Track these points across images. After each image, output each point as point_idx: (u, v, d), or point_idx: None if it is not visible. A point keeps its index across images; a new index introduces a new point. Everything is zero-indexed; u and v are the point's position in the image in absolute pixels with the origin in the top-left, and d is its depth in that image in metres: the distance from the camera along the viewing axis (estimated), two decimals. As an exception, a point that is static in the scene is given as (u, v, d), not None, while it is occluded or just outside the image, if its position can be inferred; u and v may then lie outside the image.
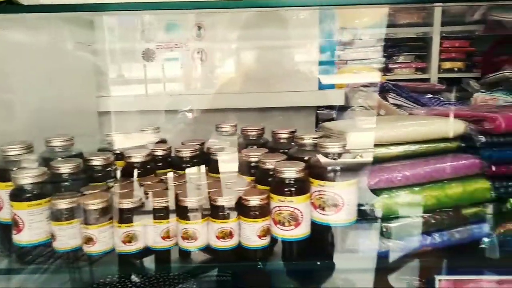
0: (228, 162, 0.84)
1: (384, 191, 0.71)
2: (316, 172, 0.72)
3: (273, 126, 0.97)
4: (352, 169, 0.72)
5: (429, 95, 1.38)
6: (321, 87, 1.35)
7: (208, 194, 0.72)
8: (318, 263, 0.72)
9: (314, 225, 0.73)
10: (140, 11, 0.94)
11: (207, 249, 0.72)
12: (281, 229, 0.71)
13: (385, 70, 2.49)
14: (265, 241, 0.72)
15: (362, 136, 0.73)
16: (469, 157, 0.72)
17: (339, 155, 0.72)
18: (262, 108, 1.36)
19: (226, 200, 0.70)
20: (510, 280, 0.79)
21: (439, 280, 0.76)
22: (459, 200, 0.71)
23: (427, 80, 2.44)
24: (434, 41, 2.39)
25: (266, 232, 0.72)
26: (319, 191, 0.72)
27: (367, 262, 0.73)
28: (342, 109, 1.38)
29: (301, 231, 0.71)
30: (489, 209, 0.73)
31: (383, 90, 1.23)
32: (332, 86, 1.39)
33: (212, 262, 0.72)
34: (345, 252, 0.73)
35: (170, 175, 0.83)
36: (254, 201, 0.71)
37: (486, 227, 0.74)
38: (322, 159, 0.72)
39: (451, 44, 2.43)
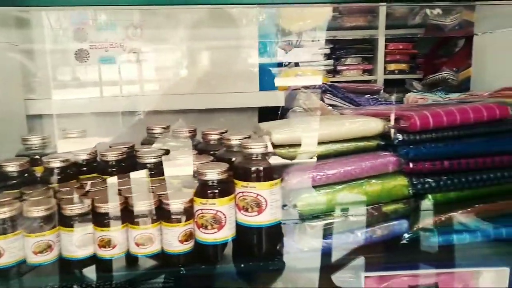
0: (156, 166, 0.81)
1: (306, 190, 0.71)
2: (238, 173, 0.71)
3: (215, 127, 0.96)
4: (275, 169, 0.72)
5: (368, 96, 1.42)
6: (262, 88, 1.35)
7: (126, 199, 0.69)
8: (242, 265, 0.71)
9: (239, 227, 0.73)
10: (70, 7, 0.89)
11: (126, 256, 0.69)
12: (204, 233, 0.70)
13: (334, 72, 2.55)
14: (188, 245, 0.70)
15: (283, 136, 0.73)
16: (387, 155, 0.73)
17: (263, 155, 0.72)
18: (203, 109, 1.35)
19: (145, 205, 0.68)
20: (432, 274, 0.82)
21: (365, 277, 0.78)
22: (379, 197, 0.73)
23: (374, 81, 2.52)
24: (380, 44, 2.47)
25: (189, 236, 0.70)
26: (242, 192, 0.71)
27: (293, 262, 0.73)
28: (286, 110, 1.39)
29: (225, 234, 0.70)
30: (408, 205, 0.75)
31: (321, 91, 1.25)
32: (273, 88, 1.40)
33: (131, 270, 0.69)
34: (271, 253, 0.72)
35: (93, 180, 0.79)
36: (175, 204, 0.69)
37: (406, 223, 0.76)
38: (244, 159, 0.72)
39: (395, 47, 2.52)
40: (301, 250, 0.72)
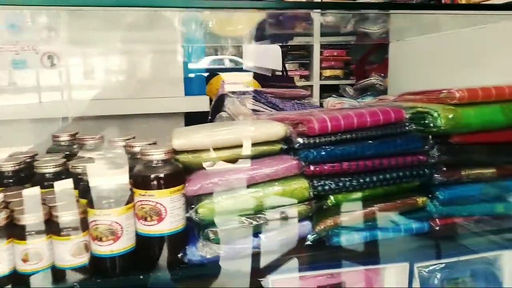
0: (55, 176, 0.77)
1: (208, 196, 0.71)
2: (137, 181, 0.69)
3: (138, 134, 0.93)
4: (176, 176, 0.70)
5: (294, 101, 1.45)
6: (188, 93, 1.34)
7: (12, 212, 0.65)
8: (142, 277, 0.69)
9: (139, 237, 0.70)
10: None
11: (11, 275, 0.65)
12: (99, 245, 0.67)
13: (271, 77, 2.59)
14: (82, 260, 0.67)
15: (183, 141, 0.72)
16: (289, 159, 0.75)
17: (164, 162, 0.70)
18: (127, 115, 1.30)
19: (31, 218, 0.64)
20: (338, 273, 0.84)
21: (272, 280, 0.78)
22: (280, 199, 0.74)
23: (311, 86, 2.59)
24: (315, 50, 2.55)
25: (83, 250, 0.67)
26: (140, 201, 0.69)
27: (197, 270, 0.72)
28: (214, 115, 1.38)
29: (122, 245, 0.68)
30: (311, 207, 0.77)
31: (245, 97, 1.26)
32: (200, 93, 1.39)
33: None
34: (174, 261, 0.71)
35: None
36: (66, 217, 0.65)
37: (309, 225, 0.77)
38: (144, 167, 0.70)
39: (330, 53, 2.61)
40: (204, 257, 0.71)
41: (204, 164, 0.73)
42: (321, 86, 2.57)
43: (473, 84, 0.84)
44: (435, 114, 0.79)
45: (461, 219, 0.86)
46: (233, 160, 0.74)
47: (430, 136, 0.80)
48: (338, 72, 2.63)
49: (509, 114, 0.83)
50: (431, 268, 0.86)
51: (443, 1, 2.11)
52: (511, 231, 0.89)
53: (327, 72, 2.60)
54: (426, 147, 0.80)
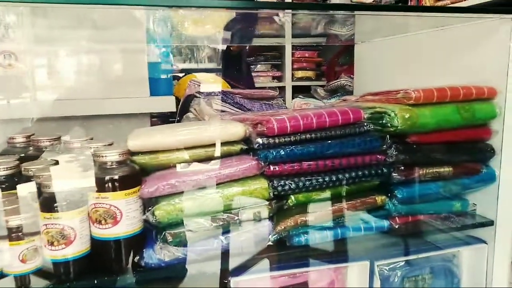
0: (6, 179, 0.74)
1: (165, 198, 0.69)
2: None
3: (103, 135, 0.90)
4: (131, 178, 0.69)
5: (263, 101, 1.45)
6: (154, 93, 1.32)
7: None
8: (96, 281, 0.67)
9: (94, 240, 0.68)
10: None
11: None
12: (51, 250, 0.65)
13: (243, 78, 2.59)
14: (32, 265, 0.65)
15: (139, 142, 0.70)
16: (248, 159, 0.74)
17: (118, 163, 0.68)
18: (91, 116, 1.27)
19: (-24, 223, 0.61)
20: (300, 273, 0.84)
21: (234, 281, 0.78)
22: (240, 200, 0.73)
23: (283, 87, 2.60)
24: (287, 51, 2.56)
25: (33, 255, 0.64)
26: (94, 204, 0.67)
27: (153, 273, 0.71)
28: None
29: (75, 249, 0.66)
30: (271, 207, 0.77)
31: (212, 97, 1.25)
32: (166, 93, 1.37)
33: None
34: (130, 265, 0.69)
35: None
36: (13, 221, 0.63)
37: (270, 225, 0.77)
38: (98, 169, 0.68)
39: (301, 55, 2.63)
40: (162, 260, 0.70)
41: (163, 165, 0.72)
42: (293, 87, 2.59)
43: (436, 85, 0.86)
44: (392, 114, 0.80)
45: (419, 217, 0.88)
46: (192, 161, 0.74)
47: (387, 136, 0.82)
48: (309, 73, 2.64)
49: (464, 114, 0.85)
50: (391, 266, 0.88)
51: (409, 3, 2.17)
52: (468, 228, 0.92)
53: (299, 73, 2.61)
54: (384, 146, 0.81)
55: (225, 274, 0.78)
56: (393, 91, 0.88)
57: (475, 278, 0.94)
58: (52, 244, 0.64)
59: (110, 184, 0.66)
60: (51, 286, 0.65)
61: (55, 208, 0.64)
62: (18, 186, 0.70)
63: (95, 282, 0.67)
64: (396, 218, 0.85)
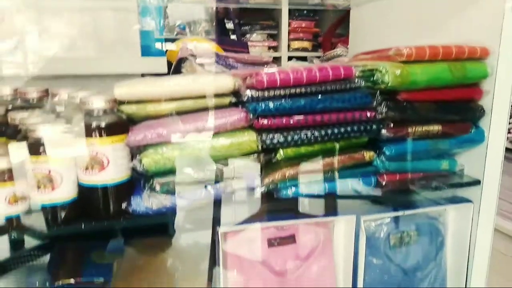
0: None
1: (152, 146, 0.69)
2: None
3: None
4: (118, 125, 0.68)
5: (256, 66, 1.43)
6: (145, 54, 1.30)
7: None
8: (83, 226, 0.68)
9: (81, 187, 0.69)
10: None
11: None
12: (39, 194, 0.65)
13: (239, 47, 2.55)
14: (20, 208, 0.65)
15: (126, 90, 0.70)
16: (237, 111, 0.74)
17: (104, 111, 0.68)
18: (83, 76, 1.26)
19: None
20: (288, 226, 0.85)
21: (221, 232, 0.79)
22: (228, 152, 0.73)
23: (279, 58, 2.58)
24: (283, 21, 2.52)
25: (20, 198, 0.65)
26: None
27: (141, 220, 0.71)
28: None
29: (62, 195, 0.66)
30: (260, 160, 0.77)
31: (204, 59, 1.24)
32: (159, 54, 1.35)
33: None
34: (118, 212, 0.70)
35: None
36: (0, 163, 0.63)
37: (258, 177, 0.78)
38: (85, 116, 0.67)
39: (298, 25, 2.59)
40: (150, 208, 0.71)
41: (151, 115, 0.72)
42: (289, 58, 2.56)
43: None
44: (383, 71, 0.80)
45: (407, 175, 0.89)
46: (180, 113, 0.73)
47: (378, 93, 0.81)
48: (306, 44, 2.61)
49: (456, 73, 0.85)
50: (377, 222, 0.90)
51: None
52: (455, 187, 0.93)
53: (296, 44, 2.59)
54: (374, 103, 0.81)
55: (213, 224, 0.79)
56: (385, 49, 0.87)
57: (460, 237, 0.96)
58: (39, 187, 0.65)
59: (96, 131, 0.66)
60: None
61: (41, 152, 0.64)
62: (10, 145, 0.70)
63: (83, 227, 0.68)
64: (384, 175, 0.86)
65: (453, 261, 0.99)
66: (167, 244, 0.98)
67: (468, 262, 0.96)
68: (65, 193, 0.66)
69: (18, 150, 0.67)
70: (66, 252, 1.00)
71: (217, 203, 0.76)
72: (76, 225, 0.68)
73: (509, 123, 1.78)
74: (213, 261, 0.82)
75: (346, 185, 0.83)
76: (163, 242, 1.00)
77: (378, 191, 0.87)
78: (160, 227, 0.88)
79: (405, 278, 0.93)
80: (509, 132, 1.73)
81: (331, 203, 0.86)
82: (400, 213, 0.90)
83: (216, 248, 0.80)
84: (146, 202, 0.70)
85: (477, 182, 0.92)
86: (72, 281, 0.88)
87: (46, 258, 1.00)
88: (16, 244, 1.11)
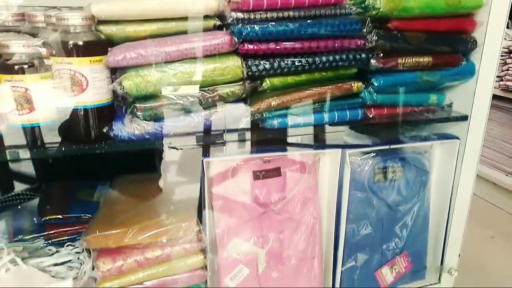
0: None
1: (133, 68, 0.67)
2: (53, 48, 0.64)
3: None
4: (95, 44, 0.66)
5: None
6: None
7: None
8: (64, 148, 0.66)
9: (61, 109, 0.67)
10: None
11: None
12: (17, 115, 0.63)
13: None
14: (-3, 128, 0.63)
15: (104, 7, 0.66)
16: (221, 34, 0.71)
17: (83, 29, 0.65)
18: None
19: None
20: (273, 158, 0.85)
21: (205, 161, 0.78)
22: (212, 78, 0.71)
23: None
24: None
25: (-3, 118, 0.63)
26: (58, 70, 0.64)
27: (123, 146, 0.70)
28: None
29: (40, 116, 0.64)
30: (245, 88, 0.75)
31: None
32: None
33: None
34: (100, 137, 0.68)
35: None
36: (-28, 81, 0.60)
37: (243, 106, 0.76)
38: (61, 33, 0.64)
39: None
40: (132, 133, 0.69)
41: (131, 36, 0.68)
42: None
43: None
44: (375, -5, 0.77)
45: (394, 109, 0.88)
46: (162, 35, 0.70)
47: (369, 20, 0.78)
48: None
49: (450, 2, 0.82)
50: (363, 156, 0.90)
51: None
52: (442, 121, 0.93)
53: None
54: (364, 31, 0.78)
55: (196, 153, 0.78)
56: (379, -26, 0.83)
57: (444, 173, 0.97)
58: (16, 108, 0.63)
59: (74, 49, 0.63)
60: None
61: (16, 70, 0.61)
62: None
63: (63, 149, 0.67)
64: (371, 108, 0.85)
65: (436, 198, 1.00)
66: (153, 179, 0.98)
67: (451, 198, 0.98)
68: (44, 114, 0.64)
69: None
70: (54, 191, 1.00)
71: (206, 131, 0.75)
72: (57, 147, 0.66)
73: (502, 71, 1.76)
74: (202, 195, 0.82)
75: (333, 116, 0.82)
76: (149, 177, 1.00)
77: (364, 124, 0.86)
78: (145, 160, 0.87)
79: (389, 212, 0.94)
80: (501, 80, 1.72)
81: (317, 136, 0.85)
82: (385, 147, 0.90)
83: (201, 178, 0.80)
84: (128, 127, 0.69)
85: (464, 118, 0.91)
86: (60, 216, 0.89)
87: (35, 201, 1.00)
88: (5, 187, 1.11)
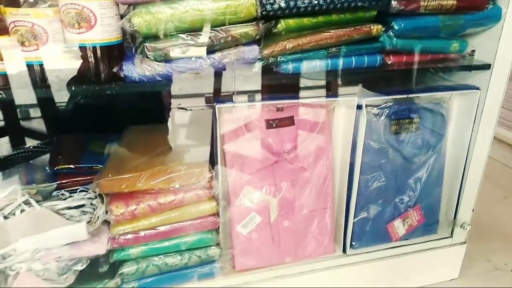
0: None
1: (143, 5, 0.64)
2: (59, -19, 0.61)
3: None
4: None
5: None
6: None
7: None
8: (74, 88, 0.65)
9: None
10: None
11: None
12: (23, 51, 0.61)
13: None
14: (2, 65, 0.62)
15: None
16: (234, -31, 0.67)
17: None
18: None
19: None
20: (288, 107, 0.83)
21: (218, 107, 0.76)
22: (224, 16, 0.68)
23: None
24: None
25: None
26: (65, 4, 0.61)
27: (133, 87, 0.68)
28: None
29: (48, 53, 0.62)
30: (259, 29, 0.72)
31: None
32: None
33: None
34: (110, 77, 0.66)
35: None
36: (-23, 13, 0.58)
37: (256, 49, 0.73)
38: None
39: None
40: (143, 74, 0.67)
41: None
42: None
43: None
44: None
45: (414, 56, 0.84)
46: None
47: (391, -43, 0.74)
48: None
49: None
50: (379, 105, 0.87)
51: None
52: (464, 70, 0.89)
53: None
54: (386, -31, 0.74)
55: (209, 97, 0.76)
56: None
57: (462, 126, 0.94)
58: (23, 44, 0.61)
59: (80, -18, 0.60)
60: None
61: (22, 3, 0.59)
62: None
63: (73, 89, 0.65)
64: (390, 54, 0.81)
65: (452, 151, 0.98)
66: (165, 129, 0.97)
67: (468, 152, 0.95)
68: (51, 51, 0.62)
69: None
70: (65, 143, 1.00)
71: (217, 75, 0.73)
72: (67, 87, 0.65)
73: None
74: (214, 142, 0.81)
75: (350, 62, 0.78)
76: (161, 128, 0.99)
77: (382, 71, 0.83)
78: (155, 112, 0.85)
79: (403, 164, 0.92)
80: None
81: (333, 82, 0.82)
82: (403, 96, 0.87)
83: (214, 125, 0.79)
84: (138, 68, 0.67)
85: (487, 66, 0.87)
86: (71, 166, 0.89)
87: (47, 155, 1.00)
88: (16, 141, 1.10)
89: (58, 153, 0.94)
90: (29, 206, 0.70)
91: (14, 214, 0.70)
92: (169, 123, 1.02)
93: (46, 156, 1.00)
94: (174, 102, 1.04)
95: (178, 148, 0.92)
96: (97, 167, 0.88)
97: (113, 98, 0.68)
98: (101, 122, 1.04)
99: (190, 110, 1.08)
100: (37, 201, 0.74)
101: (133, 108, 0.95)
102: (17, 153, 1.03)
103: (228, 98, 0.77)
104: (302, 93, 0.82)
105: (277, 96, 0.81)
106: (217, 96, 0.77)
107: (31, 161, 1.02)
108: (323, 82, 0.84)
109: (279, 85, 0.80)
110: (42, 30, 0.61)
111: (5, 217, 0.69)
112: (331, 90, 0.85)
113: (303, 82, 0.82)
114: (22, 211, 0.69)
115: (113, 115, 1.02)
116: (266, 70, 0.75)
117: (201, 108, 1.06)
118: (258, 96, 0.80)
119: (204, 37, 0.67)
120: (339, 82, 0.84)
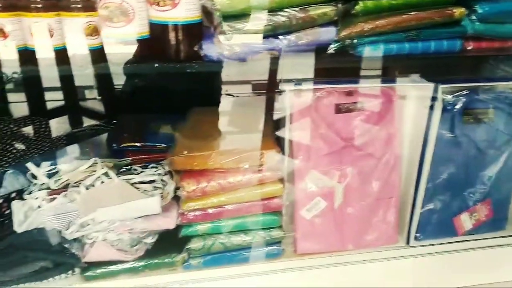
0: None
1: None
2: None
3: None
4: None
5: None
6: None
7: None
8: (156, 65, 0.66)
9: (153, 25, 0.66)
10: None
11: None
12: (111, 27, 0.63)
13: None
14: (95, 41, 0.64)
15: None
16: None
17: None
18: None
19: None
20: (359, 92, 0.81)
21: (288, 89, 0.76)
22: (305, -4, 0.67)
23: None
24: None
25: (94, 30, 0.64)
26: (152, -18, 0.63)
27: (215, 66, 0.69)
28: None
29: (134, 30, 0.64)
30: (337, 10, 0.70)
31: None
32: None
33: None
34: (189, 54, 0.67)
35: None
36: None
37: (333, 30, 0.72)
38: None
39: None
40: (222, 54, 0.68)
41: None
42: None
43: None
44: None
45: (496, 43, 0.79)
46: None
47: None
48: None
49: None
50: (456, 93, 0.83)
51: None
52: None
53: None
54: None
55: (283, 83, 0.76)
56: None
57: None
58: (111, 20, 0.63)
59: (169, -41, 0.62)
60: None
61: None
62: None
63: (155, 66, 0.67)
64: (470, 40, 0.78)
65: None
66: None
67: (545, 146, 0.89)
68: (138, 27, 0.64)
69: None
70: (128, 123, 1.03)
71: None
72: (149, 65, 0.67)
73: None
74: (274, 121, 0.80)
75: (428, 46, 0.75)
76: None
77: (460, 57, 0.79)
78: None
79: (476, 156, 0.88)
80: None
81: (408, 66, 0.80)
82: (481, 84, 0.83)
83: (272, 110, 0.78)
84: (218, 47, 0.67)
85: None
86: (138, 144, 0.92)
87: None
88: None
89: (123, 131, 0.98)
90: (108, 178, 0.74)
91: (93, 186, 0.74)
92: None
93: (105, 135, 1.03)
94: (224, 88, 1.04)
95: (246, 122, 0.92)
96: (160, 146, 0.90)
97: (173, 79, 0.69)
98: (159, 103, 1.07)
99: (237, 96, 1.08)
100: (113, 175, 0.77)
101: (190, 91, 0.96)
102: (79, 130, 1.07)
103: (298, 82, 0.77)
104: (372, 79, 0.80)
105: (349, 80, 0.79)
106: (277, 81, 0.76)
107: (94, 137, 1.06)
108: (395, 68, 0.81)
109: (349, 68, 0.78)
110: (129, 7, 0.62)
111: (86, 188, 0.72)
112: (405, 73, 0.83)
113: (374, 67, 0.80)
114: (102, 182, 0.72)
115: (170, 97, 1.04)
116: (341, 53, 0.73)
117: (248, 95, 1.07)
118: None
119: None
120: (412, 68, 0.81)
